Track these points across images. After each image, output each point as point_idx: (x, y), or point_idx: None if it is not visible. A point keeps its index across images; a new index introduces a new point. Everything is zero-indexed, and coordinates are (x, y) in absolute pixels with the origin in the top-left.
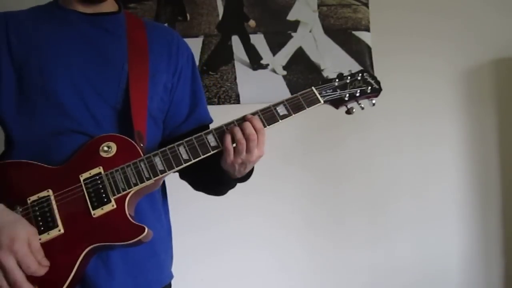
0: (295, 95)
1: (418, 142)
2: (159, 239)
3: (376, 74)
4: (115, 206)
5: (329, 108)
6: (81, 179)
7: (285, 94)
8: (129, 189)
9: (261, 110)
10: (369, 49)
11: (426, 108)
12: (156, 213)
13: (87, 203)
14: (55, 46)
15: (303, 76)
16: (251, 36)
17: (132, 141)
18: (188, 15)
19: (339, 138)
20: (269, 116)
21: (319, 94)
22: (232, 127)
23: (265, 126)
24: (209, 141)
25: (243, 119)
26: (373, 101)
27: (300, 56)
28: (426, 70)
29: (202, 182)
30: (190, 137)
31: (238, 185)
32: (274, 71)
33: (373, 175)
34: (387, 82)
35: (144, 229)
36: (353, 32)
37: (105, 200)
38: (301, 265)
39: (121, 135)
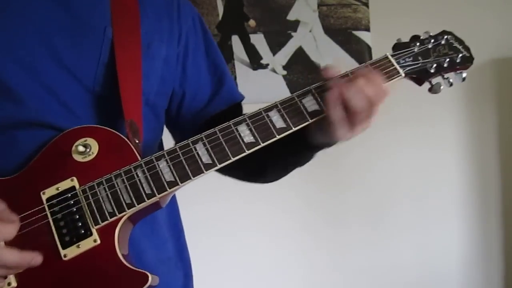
0: (363, 64)
1: (418, 143)
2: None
3: None
4: (98, 242)
5: None
6: (44, 198)
7: (285, 93)
8: (120, 213)
9: (315, 88)
10: (369, 49)
11: (426, 109)
12: (158, 239)
13: (53, 237)
14: (2, 6)
15: (303, 76)
16: (251, 36)
17: (123, 136)
18: None
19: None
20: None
21: (397, 63)
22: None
23: (323, 113)
24: (242, 134)
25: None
26: (463, 75)
27: (300, 56)
28: None
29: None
30: (213, 129)
31: (239, 190)
32: (274, 70)
33: (373, 176)
34: None
35: (147, 277)
36: (353, 32)
37: (82, 232)
38: (302, 267)
39: (105, 128)
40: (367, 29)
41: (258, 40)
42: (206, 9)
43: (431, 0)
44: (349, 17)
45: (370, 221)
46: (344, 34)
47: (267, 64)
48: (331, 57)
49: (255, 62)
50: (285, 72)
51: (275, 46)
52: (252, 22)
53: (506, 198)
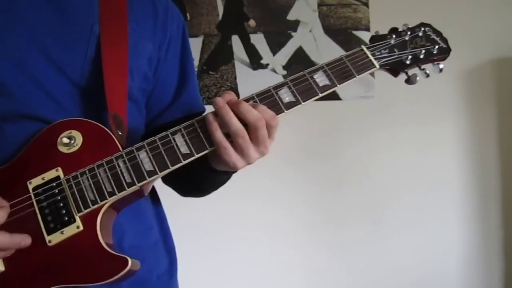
0: (338, 57)
1: (418, 143)
2: (151, 269)
3: (375, 74)
4: (81, 228)
5: (329, 107)
6: (30, 187)
7: None
8: (102, 201)
9: (292, 80)
10: None
11: (426, 109)
12: (143, 226)
13: (39, 224)
14: None
15: None
16: (251, 36)
17: (106, 129)
18: (188, 14)
19: (339, 139)
20: (303, 88)
21: (372, 55)
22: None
23: (301, 102)
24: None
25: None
26: (441, 66)
27: (300, 55)
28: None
29: (192, 182)
30: (191, 121)
31: (238, 187)
32: (274, 70)
33: (373, 176)
34: (386, 82)
35: (127, 261)
36: (353, 32)
37: (66, 219)
38: (301, 266)
39: (89, 120)
40: (367, 29)
41: (258, 40)
42: (206, 9)
43: (431, 0)
44: (349, 17)
45: (369, 220)
46: (344, 34)
47: (267, 64)
48: (331, 57)
49: (255, 62)
50: (285, 72)
51: (275, 46)
52: (252, 22)
53: (506, 198)
